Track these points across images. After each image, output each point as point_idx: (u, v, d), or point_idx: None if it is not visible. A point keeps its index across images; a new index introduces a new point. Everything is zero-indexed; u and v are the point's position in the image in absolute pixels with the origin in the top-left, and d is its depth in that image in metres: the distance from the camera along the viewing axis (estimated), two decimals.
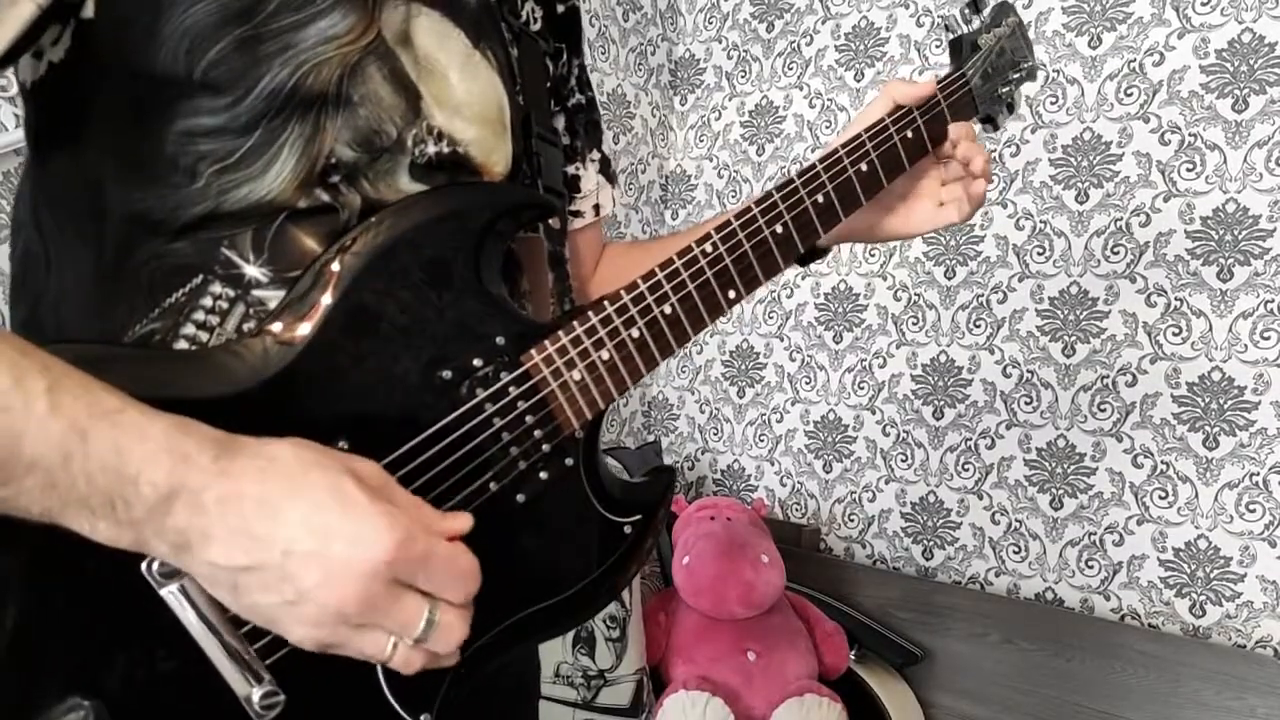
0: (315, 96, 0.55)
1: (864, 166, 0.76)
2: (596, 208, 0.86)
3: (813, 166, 0.74)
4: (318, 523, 0.46)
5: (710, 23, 2.37)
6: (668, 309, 0.66)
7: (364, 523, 0.46)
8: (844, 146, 0.75)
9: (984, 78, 0.84)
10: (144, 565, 0.47)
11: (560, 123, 0.81)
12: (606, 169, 0.87)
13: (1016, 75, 0.87)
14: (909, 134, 0.78)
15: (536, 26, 0.76)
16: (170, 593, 0.47)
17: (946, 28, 0.86)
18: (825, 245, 0.82)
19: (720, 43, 2.35)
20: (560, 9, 0.80)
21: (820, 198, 0.73)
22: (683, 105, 2.44)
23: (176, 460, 0.44)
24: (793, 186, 0.72)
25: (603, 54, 2.24)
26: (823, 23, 2.15)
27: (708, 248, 0.68)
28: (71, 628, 0.49)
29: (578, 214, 0.85)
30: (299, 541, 0.45)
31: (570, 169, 0.83)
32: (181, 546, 0.45)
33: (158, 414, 0.45)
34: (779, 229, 0.71)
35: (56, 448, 0.42)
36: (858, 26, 2.09)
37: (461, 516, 0.53)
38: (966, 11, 0.85)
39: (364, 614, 0.47)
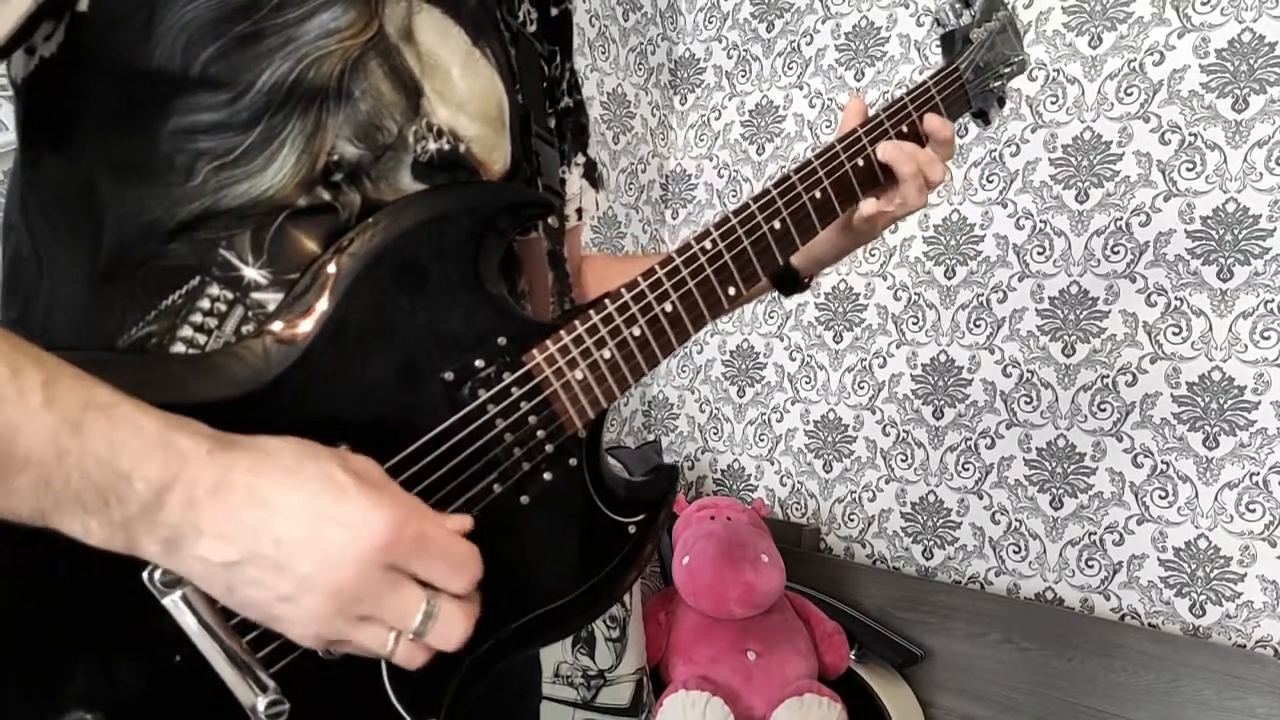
0: (316, 91, 0.54)
1: (860, 161, 0.76)
2: (580, 211, 0.86)
3: (809, 163, 0.74)
4: (311, 510, 0.45)
5: (710, 22, 2.37)
6: (668, 306, 0.65)
7: (358, 507, 0.46)
8: (840, 142, 0.75)
9: (976, 72, 0.84)
10: (145, 574, 0.46)
11: (552, 125, 0.81)
12: (591, 173, 0.87)
13: (1008, 69, 0.88)
14: (904, 129, 0.78)
15: (532, 29, 0.76)
16: (173, 601, 0.46)
17: (938, 22, 0.86)
18: (807, 273, 0.82)
19: (720, 42, 2.35)
20: (554, 12, 0.80)
21: (818, 193, 0.73)
22: (683, 105, 2.43)
23: (171, 455, 0.43)
24: (790, 183, 0.72)
25: (603, 54, 2.24)
26: (823, 22, 2.15)
27: (707, 245, 0.68)
28: (71, 639, 0.48)
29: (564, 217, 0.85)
30: (292, 529, 0.45)
31: (559, 172, 0.83)
32: (172, 542, 0.44)
33: (152, 409, 0.44)
34: (777, 225, 0.71)
35: (51, 442, 0.41)
36: (858, 26, 2.09)
37: (461, 518, 0.53)
38: (957, 6, 0.85)
39: (361, 601, 0.46)
